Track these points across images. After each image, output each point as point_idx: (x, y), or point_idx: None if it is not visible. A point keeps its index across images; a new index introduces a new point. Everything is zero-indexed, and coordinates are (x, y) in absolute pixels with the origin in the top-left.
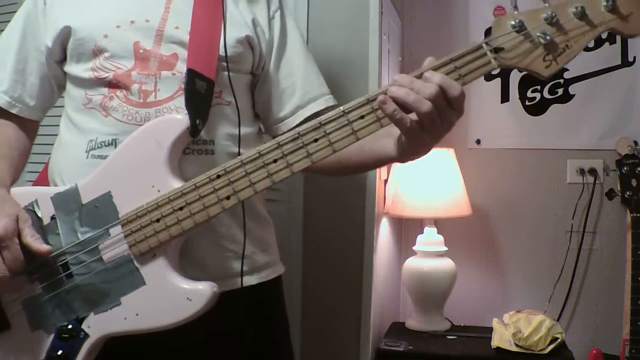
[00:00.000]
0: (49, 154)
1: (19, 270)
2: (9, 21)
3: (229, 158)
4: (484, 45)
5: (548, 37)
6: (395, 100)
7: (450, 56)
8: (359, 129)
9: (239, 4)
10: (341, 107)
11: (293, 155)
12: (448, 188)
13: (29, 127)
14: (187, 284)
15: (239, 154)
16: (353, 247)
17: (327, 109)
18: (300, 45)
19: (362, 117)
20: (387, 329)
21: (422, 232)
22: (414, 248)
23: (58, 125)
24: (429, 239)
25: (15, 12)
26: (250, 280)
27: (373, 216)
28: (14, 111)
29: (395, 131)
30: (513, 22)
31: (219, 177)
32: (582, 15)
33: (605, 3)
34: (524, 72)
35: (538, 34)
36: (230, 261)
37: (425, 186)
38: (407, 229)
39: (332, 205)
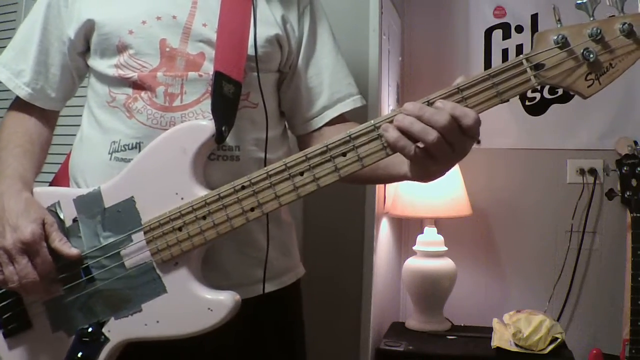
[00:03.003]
0: (66, 144)
1: (49, 274)
2: (9, 21)
3: (255, 163)
4: (524, 61)
5: (592, 55)
6: (400, 129)
7: (489, 72)
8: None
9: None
10: (372, 121)
11: (320, 168)
12: (448, 188)
13: (49, 117)
14: (208, 294)
15: (265, 158)
16: (353, 247)
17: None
18: (330, 43)
19: None
20: (387, 329)
21: (422, 232)
22: (414, 248)
23: (76, 116)
24: (429, 239)
25: (15, 12)
26: (272, 286)
27: (373, 216)
28: (36, 103)
29: None
30: (555, 37)
31: (243, 188)
32: (629, 33)
33: None
34: None
35: (582, 51)
36: (252, 268)
37: (425, 186)
38: (407, 229)
39: (332, 205)
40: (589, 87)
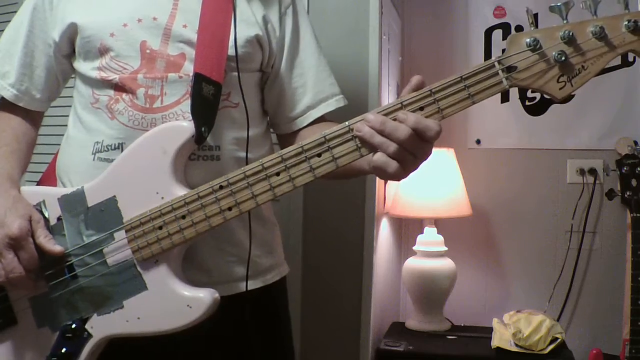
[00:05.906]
0: (53, 144)
1: (34, 268)
2: (9, 21)
3: (235, 163)
4: (496, 64)
5: (564, 58)
6: (360, 139)
7: (461, 74)
8: (363, 145)
9: (250, 0)
10: (346, 122)
11: (296, 169)
12: (448, 188)
13: (34, 117)
14: (187, 291)
15: (246, 157)
16: (353, 247)
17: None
18: (313, 43)
19: None
20: (387, 329)
21: (422, 232)
22: (414, 248)
23: (64, 116)
24: (429, 239)
25: (15, 12)
26: (254, 284)
27: (373, 216)
28: (20, 104)
29: None
30: (528, 40)
31: (221, 187)
32: (601, 36)
33: (626, 23)
34: None
35: (554, 53)
36: (234, 266)
37: (425, 186)
38: (407, 229)
39: (332, 205)
40: (560, 89)
